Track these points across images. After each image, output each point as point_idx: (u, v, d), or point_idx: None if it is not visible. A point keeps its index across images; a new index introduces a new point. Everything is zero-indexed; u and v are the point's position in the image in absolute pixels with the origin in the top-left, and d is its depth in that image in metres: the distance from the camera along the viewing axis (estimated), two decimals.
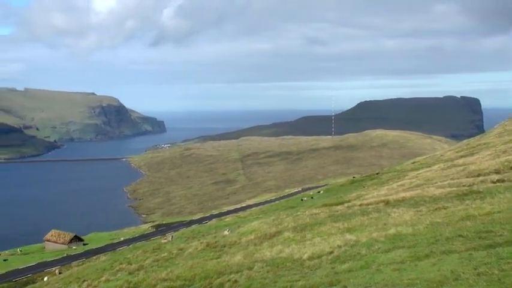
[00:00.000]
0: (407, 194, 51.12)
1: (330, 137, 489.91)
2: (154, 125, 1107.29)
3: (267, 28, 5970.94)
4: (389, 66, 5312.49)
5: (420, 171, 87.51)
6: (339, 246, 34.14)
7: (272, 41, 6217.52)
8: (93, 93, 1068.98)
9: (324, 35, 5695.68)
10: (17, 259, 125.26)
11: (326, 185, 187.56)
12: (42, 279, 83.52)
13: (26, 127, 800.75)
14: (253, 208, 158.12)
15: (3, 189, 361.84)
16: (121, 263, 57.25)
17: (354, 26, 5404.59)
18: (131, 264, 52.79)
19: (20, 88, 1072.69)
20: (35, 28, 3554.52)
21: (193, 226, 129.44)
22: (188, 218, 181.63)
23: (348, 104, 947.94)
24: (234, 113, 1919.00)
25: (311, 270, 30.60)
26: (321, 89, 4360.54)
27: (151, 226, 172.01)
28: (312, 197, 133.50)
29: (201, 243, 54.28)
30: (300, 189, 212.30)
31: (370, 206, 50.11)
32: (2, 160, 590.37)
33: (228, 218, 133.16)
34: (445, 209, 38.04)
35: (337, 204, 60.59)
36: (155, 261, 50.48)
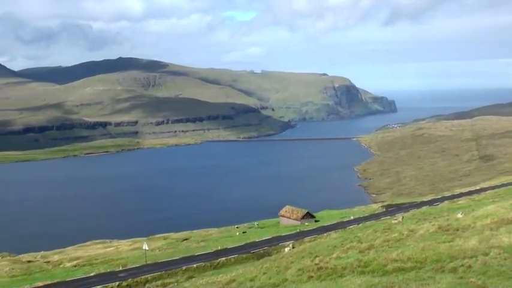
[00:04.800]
0: None
1: None
2: (385, 105, 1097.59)
3: None
4: None
5: None
6: None
7: None
8: (325, 74, 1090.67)
9: None
10: (254, 232, 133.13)
11: None
12: (278, 251, 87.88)
13: (263, 107, 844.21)
14: (489, 191, 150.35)
15: (242, 166, 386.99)
16: (351, 241, 58.10)
17: None
18: (361, 243, 53.34)
19: (258, 71, 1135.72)
20: (276, 12, 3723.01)
21: (424, 208, 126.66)
22: (418, 199, 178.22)
23: None
24: (471, 91, 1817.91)
25: None
26: None
27: (381, 206, 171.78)
28: None
29: (433, 225, 53.07)
30: None
31: None
32: (241, 139, 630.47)
33: (461, 201, 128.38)
34: None
35: None
36: (385, 241, 50.45)
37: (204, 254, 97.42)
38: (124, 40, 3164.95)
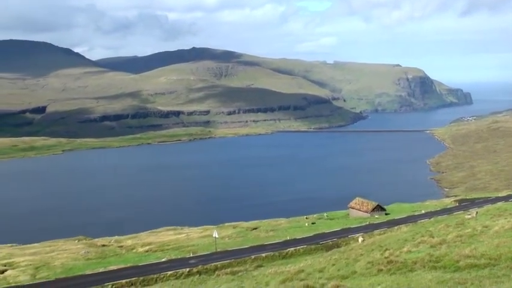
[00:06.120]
0: None
1: None
2: (460, 97, 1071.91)
3: None
4: None
5: None
6: None
7: None
8: (399, 65, 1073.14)
9: None
10: (323, 223, 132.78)
11: None
12: (347, 243, 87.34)
13: (334, 98, 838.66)
14: None
15: (313, 157, 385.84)
16: (422, 236, 57.19)
17: None
18: (433, 238, 52.44)
19: (330, 61, 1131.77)
20: (351, 2, 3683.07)
21: (499, 203, 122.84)
22: (493, 195, 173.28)
23: None
24: None
25: None
26: None
27: (454, 200, 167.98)
28: None
29: (508, 221, 51.62)
30: None
31: None
32: (312, 129, 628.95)
33: None
34: None
35: None
36: (458, 236, 49.42)
37: (273, 243, 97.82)
38: (198, 30, 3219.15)
